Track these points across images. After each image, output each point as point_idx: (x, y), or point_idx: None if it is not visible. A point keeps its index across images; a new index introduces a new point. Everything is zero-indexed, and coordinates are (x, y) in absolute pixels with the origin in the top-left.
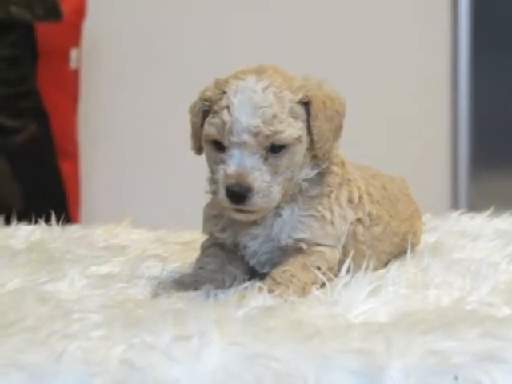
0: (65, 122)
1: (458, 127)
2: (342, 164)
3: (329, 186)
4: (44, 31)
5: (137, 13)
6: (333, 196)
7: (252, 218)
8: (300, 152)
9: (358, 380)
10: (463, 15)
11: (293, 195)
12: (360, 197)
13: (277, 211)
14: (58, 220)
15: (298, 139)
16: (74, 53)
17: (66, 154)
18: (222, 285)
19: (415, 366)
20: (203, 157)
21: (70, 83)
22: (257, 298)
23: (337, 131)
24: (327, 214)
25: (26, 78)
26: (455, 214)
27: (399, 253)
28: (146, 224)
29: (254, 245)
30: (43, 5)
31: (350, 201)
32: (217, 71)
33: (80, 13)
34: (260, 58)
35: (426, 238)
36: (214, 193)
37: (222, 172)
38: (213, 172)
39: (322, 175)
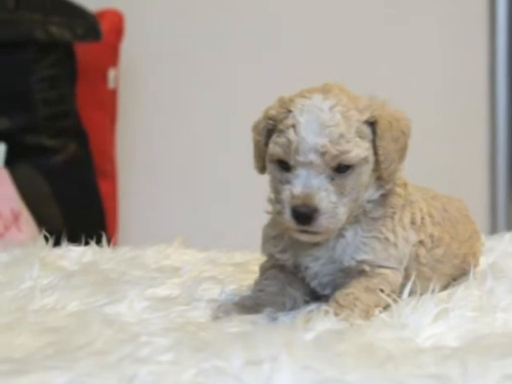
0: (103, 141)
1: (496, 145)
2: (405, 185)
3: (392, 208)
4: (83, 51)
5: (174, 33)
6: (396, 218)
7: (317, 239)
8: (366, 172)
9: None
10: (501, 36)
11: (356, 216)
12: (422, 218)
13: (339, 232)
14: (108, 241)
15: (365, 159)
16: (111, 72)
17: (104, 173)
18: (282, 308)
19: None
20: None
21: (108, 103)
22: (323, 321)
23: (402, 152)
24: (390, 236)
25: (65, 98)
26: (509, 235)
27: (459, 275)
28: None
29: (316, 266)
30: (83, 25)
31: (413, 222)
32: (255, 92)
33: (118, 32)
34: (305, 76)
35: (484, 260)
36: (279, 213)
37: (287, 192)
38: (277, 192)
39: (385, 197)
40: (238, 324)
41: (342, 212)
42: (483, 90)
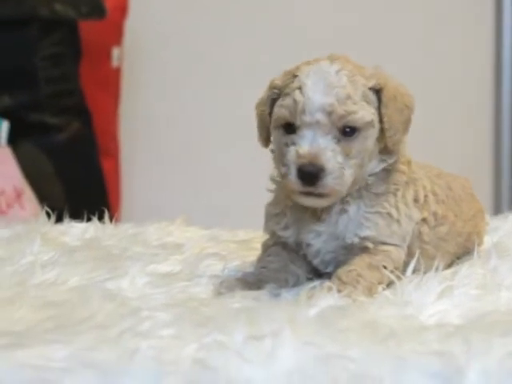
0: (106, 119)
1: (501, 127)
2: (409, 163)
3: (395, 184)
4: (87, 29)
5: (179, 11)
6: (399, 194)
7: (321, 203)
8: (372, 137)
9: (436, 382)
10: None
11: (359, 191)
12: (425, 196)
13: (342, 207)
14: (110, 218)
15: (371, 123)
16: (115, 51)
17: (107, 151)
18: (285, 284)
19: (496, 368)
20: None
21: (112, 81)
22: (326, 297)
23: (406, 124)
24: (393, 212)
25: (69, 76)
26: None
27: (463, 253)
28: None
29: (318, 243)
30: (87, 2)
31: (416, 200)
32: (261, 70)
33: (122, 11)
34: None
35: (488, 239)
36: (284, 176)
37: (293, 152)
38: (282, 155)
39: (388, 173)
40: (241, 300)
41: (348, 174)
42: (489, 75)
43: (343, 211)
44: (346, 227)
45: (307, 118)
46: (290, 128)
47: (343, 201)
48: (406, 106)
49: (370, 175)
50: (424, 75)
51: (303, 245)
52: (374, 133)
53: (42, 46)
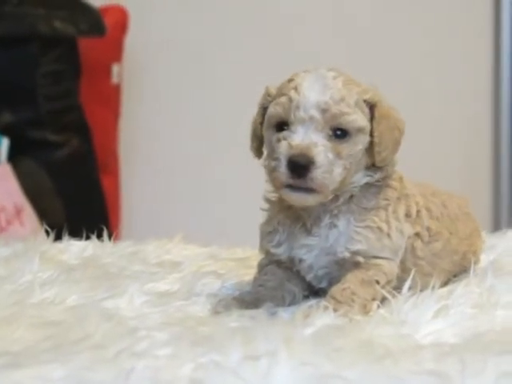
0: (106, 136)
1: (499, 143)
2: (401, 179)
3: (386, 200)
4: (87, 46)
5: (178, 29)
6: (390, 209)
7: (309, 199)
8: (362, 143)
9: None
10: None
11: (348, 205)
12: (418, 211)
13: (331, 221)
14: (109, 236)
15: (362, 130)
16: (115, 68)
17: (106, 168)
18: (282, 302)
19: None
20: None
21: (112, 98)
22: (322, 316)
23: (396, 145)
24: (384, 226)
25: (69, 93)
26: (511, 232)
27: (459, 271)
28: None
29: (310, 258)
30: (87, 20)
31: (408, 215)
32: (259, 91)
33: (122, 27)
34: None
35: (485, 257)
36: (273, 170)
37: (285, 144)
38: (274, 151)
39: (379, 188)
40: (237, 319)
41: (337, 173)
42: (487, 89)
43: (333, 225)
44: (336, 241)
45: (301, 114)
46: (282, 127)
47: (332, 214)
48: (397, 127)
49: (354, 187)
50: (422, 88)
51: (296, 260)
52: (364, 140)
53: (42, 63)
